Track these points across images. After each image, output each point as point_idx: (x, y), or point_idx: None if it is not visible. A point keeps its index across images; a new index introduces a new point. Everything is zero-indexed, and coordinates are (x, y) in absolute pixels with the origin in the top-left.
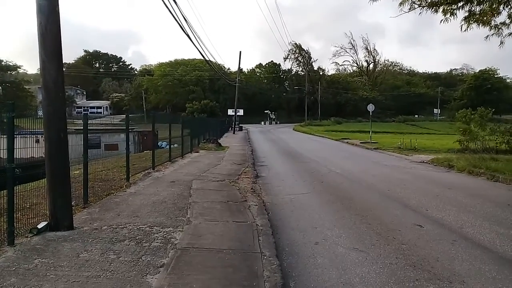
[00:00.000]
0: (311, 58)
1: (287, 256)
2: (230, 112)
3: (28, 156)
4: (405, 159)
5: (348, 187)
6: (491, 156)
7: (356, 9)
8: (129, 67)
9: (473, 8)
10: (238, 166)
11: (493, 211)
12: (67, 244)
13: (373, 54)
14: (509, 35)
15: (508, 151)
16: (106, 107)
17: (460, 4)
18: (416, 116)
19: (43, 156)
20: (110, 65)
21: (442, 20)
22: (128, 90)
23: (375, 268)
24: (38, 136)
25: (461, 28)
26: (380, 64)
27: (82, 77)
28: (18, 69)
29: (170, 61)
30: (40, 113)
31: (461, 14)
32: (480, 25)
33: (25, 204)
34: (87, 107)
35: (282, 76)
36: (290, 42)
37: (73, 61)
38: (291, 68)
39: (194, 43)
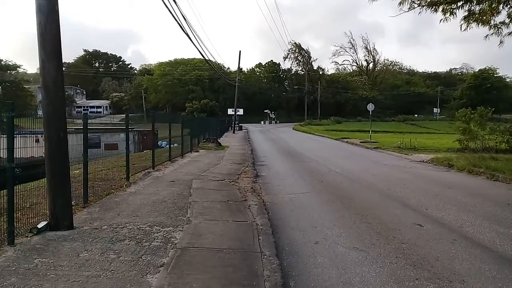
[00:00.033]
0: (311, 57)
1: (287, 255)
2: (230, 111)
3: (28, 156)
4: (405, 159)
5: (348, 187)
6: (491, 155)
7: (355, 8)
8: (129, 66)
9: (472, 8)
10: (238, 166)
11: (493, 210)
12: (67, 244)
13: (372, 53)
14: (509, 34)
15: (507, 150)
16: (106, 106)
17: (459, 3)
18: (416, 115)
19: (43, 155)
20: (110, 64)
21: (441, 19)
22: (128, 90)
23: (375, 267)
24: (38, 135)
25: (461, 27)
26: (380, 64)
27: (81, 76)
28: (18, 68)
29: (170, 61)
30: (40, 112)
31: (461, 13)
32: (480, 25)
33: (25, 204)
34: (87, 106)
35: (281, 75)
36: (290, 42)
37: (73, 61)
38: (290, 67)
39: (194, 42)
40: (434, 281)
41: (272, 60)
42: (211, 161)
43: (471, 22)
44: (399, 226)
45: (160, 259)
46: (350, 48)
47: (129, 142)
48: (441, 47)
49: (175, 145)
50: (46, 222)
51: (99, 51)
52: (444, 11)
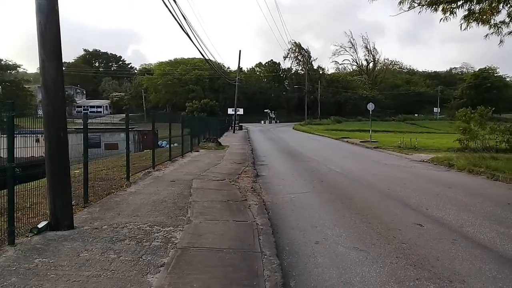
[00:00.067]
0: (311, 57)
1: (287, 255)
2: (230, 111)
3: (28, 156)
4: (405, 158)
5: (348, 186)
6: (491, 155)
7: (355, 8)
8: (129, 66)
9: (472, 7)
10: (238, 165)
11: (493, 210)
12: (68, 244)
13: (372, 53)
14: (509, 33)
15: (508, 150)
16: (106, 106)
17: (459, 2)
18: (416, 115)
19: (43, 155)
20: (110, 64)
21: (441, 18)
22: (128, 89)
23: (375, 267)
24: (38, 135)
25: (461, 26)
26: (380, 63)
27: (81, 76)
28: (18, 68)
29: (170, 60)
30: (40, 112)
31: (461, 12)
32: (480, 24)
33: (26, 204)
34: (87, 106)
35: (282, 75)
36: (290, 41)
37: (73, 60)
38: (290, 67)
39: (194, 42)
40: (435, 281)
41: (272, 60)
42: (211, 160)
43: (471, 21)
44: (400, 226)
45: (160, 259)
46: (350, 47)
47: (129, 142)
48: (441, 47)
49: (175, 144)
50: (47, 222)
51: (99, 50)
52: (444, 11)
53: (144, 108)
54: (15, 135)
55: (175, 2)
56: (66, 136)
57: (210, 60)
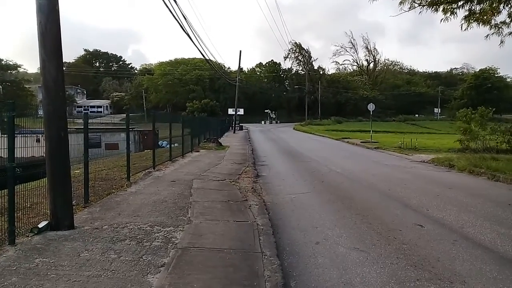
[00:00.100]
0: (311, 57)
1: (287, 255)
2: (231, 111)
3: (28, 156)
4: (405, 159)
5: (348, 187)
6: (492, 155)
7: (356, 8)
8: (129, 66)
9: (473, 7)
10: (238, 166)
11: (494, 211)
12: (68, 244)
13: (373, 53)
14: (509, 34)
15: (508, 150)
16: (106, 106)
17: (460, 3)
18: (417, 115)
19: (44, 155)
20: (110, 64)
21: (442, 19)
22: (128, 89)
23: (376, 268)
24: (38, 135)
25: (461, 27)
26: (380, 63)
27: (82, 76)
28: (18, 68)
29: (170, 60)
30: (40, 112)
31: (461, 13)
32: (480, 24)
33: (26, 204)
34: (87, 106)
35: (282, 75)
36: (290, 41)
37: (73, 60)
38: (291, 67)
39: (194, 42)
40: (435, 282)
41: (272, 60)
42: (211, 161)
43: (472, 21)
44: (400, 227)
45: (161, 259)
46: (351, 48)
47: (130, 142)
48: (441, 47)
49: (176, 145)
50: (47, 221)
51: (100, 50)
52: (444, 11)
53: (145, 108)
54: (15, 135)
55: (175, 2)
56: (67, 136)
57: (211, 60)
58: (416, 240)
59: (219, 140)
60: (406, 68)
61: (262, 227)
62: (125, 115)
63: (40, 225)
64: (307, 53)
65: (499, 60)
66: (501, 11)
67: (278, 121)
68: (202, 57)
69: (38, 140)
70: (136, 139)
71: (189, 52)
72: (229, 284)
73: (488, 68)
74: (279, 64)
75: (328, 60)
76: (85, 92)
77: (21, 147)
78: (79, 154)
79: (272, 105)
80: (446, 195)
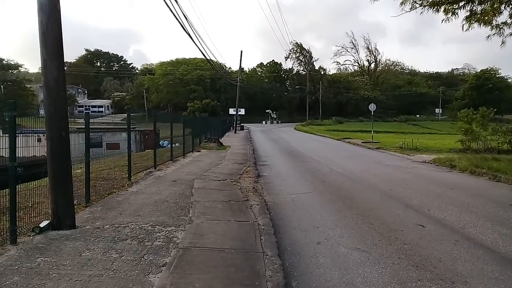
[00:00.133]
0: (312, 57)
1: (289, 255)
2: (232, 111)
3: (30, 155)
4: (406, 159)
5: (349, 187)
6: (493, 156)
7: (356, 8)
8: (130, 66)
9: (474, 8)
10: (239, 166)
11: (496, 211)
12: (70, 243)
13: (374, 53)
14: (511, 35)
15: (510, 151)
16: (108, 106)
17: (461, 3)
18: (418, 115)
19: (45, 155)
20: (111, 64)
21: (443, 19)
22: (129, 89)
23: (377, 268)
24: (40, 135)
25: (463, 27)
26: (382, 64)
27: (83, 76)
28: (20, 68)
29: (171, 60)
30: (41, 112)
31: (463, 13)
32: (482, 25)
33: (28, 203)
34: (89, 106)
35: (283, 75)
36: (291, 42)
37: (74, 60)
38: (292, 67)
39: (195, 42)
40: (437, 282)
41: (273, 60)
42: (212, 161)
43: (473, 22)
44: (401, 227)
45: (162, 259)
46: (352, 48)
47: (131, 142)
48: (442, 47)
49: (177, 144)
50: (48, 221)
51: (101, 50)
52: (446, 11)
53: (146, 108)
54: (17, 134)
55: (176, 2)
56: (68, 136)
57: (212, 60)
58: (418, 240)
59: (220, 140)
60: (407, 69)
61: (263, 227)
62: (126, 115)
63: (42, 225)
64: (308, 53)
65: (501, 61)
66: (502, 12)
67: (279, 121)
68: (203, 57)
69: (39, 140)
70: (137, 139)
71: (190, 52)
72: (231, 284)
73: (489, 68)
74: (280, 64)
75: (329, 60)
76: (86, 92)
77: (22, 147)
78: (80, 153)
79: (273, 105)
80: (447, 196)
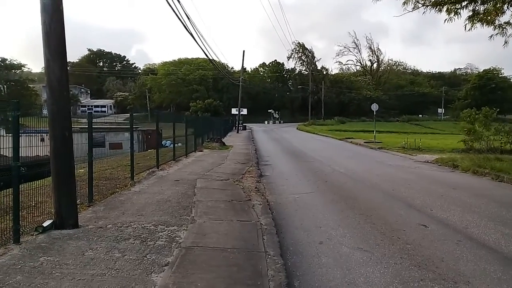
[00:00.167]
0: (315, 57)
1: (291, 255)
2: (234, 111)
3: (33, 155)
4: (409, 159)
5: (352, 187)
6: (496, 156)
7: (359, 8)
8: (133, 66)
9: (477, 8)
10: (242, 165)
11: (498, 211)
12: (73, 242)
13: (376, 53)
14: None
15: None
16: (110, 106)
17: (464, 3)
18: (420, 115)
19: (48, 154)
20: (114, 64)
21: (446, 19)
22: (132, 89)
23: (379, 268)
24: (43, 134)
25: (465, 27)
26: (384, 64)
27: (86, 76)
28: (23, 68)
29: (174, 60)
30: (45, 111)
31: (465, 13)
32: (484, 25)
33: (31, 203)
34: (91, 106)
35: (285, 75)
36: (294, 42)
37: (77, 60)
38: (294, 67)
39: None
40: (439, 282)
41: (275, 60)
42: (215, 160)
43: (476, 22)
44: (404, 227)
45: (164, 258)
46: (354, 48)
47: (134, 142)
48: (445, 47)
49: (179, 144)
50: (52, 220)
51: (103, 50)
52: (448, 11)
53: (148, 108)
54: (20, 134)
55: (178, 2)
56: (71, 136)
57: (214, 60)
58: (420, 240)
59: (223, 140)
60: (410, 68)
61: (266, 226)
62: (128, 114)
63: (45, 224)
64: (310, 53)
65: (503, 61)
66: (505, 12)
67: (281, 121)
68: (206, 57)
69: (42, 140)
70: (140, 139)
71: (193, 52)
72: (233, 284)
73: (492, 68)
74: (282, 64)
75: (331, 60)
76: (89, 92)
77: (25, 146)
78: (83, 153)
79: (276, 105)
80: (450, 196)
